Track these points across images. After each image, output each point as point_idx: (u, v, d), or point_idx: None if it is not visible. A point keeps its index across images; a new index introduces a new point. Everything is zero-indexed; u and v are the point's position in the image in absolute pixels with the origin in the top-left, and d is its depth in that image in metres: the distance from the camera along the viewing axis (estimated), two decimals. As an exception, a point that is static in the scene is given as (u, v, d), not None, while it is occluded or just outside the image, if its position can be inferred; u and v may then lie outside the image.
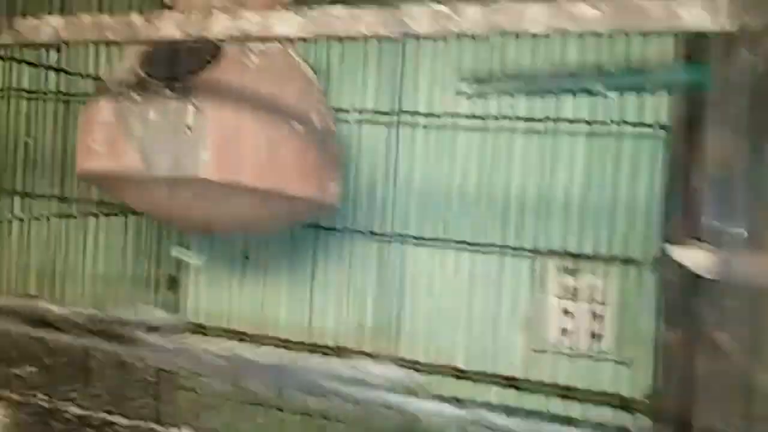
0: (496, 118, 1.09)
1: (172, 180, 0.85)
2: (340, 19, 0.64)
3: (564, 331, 1.10)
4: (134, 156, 0.85)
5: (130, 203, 0.99)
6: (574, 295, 1.09)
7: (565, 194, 1.09)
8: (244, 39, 0.68)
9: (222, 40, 0.68)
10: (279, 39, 0.67)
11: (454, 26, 0.61)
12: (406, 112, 1.15)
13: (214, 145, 0.83)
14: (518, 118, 1.09)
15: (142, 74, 0.88)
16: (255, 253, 1.27)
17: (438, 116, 1.14)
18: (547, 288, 1.11)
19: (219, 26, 0.68)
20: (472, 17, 0.60)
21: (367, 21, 0.63)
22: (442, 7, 0.61)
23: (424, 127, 1.16)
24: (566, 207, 1.09)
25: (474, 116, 1.12)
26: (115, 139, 0.86)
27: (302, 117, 0.92)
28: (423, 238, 1.17)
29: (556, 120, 1.07)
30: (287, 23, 0.66)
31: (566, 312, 1.10)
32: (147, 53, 0.90)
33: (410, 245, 1.18)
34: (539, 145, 1.10)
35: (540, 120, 1.08)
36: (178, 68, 0.87)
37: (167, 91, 0.85)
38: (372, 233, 1.18)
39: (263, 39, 0.68)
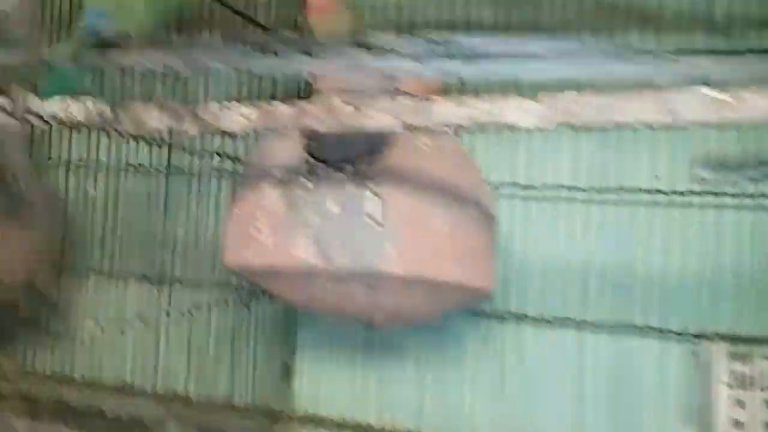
0: (656, 192, 1.02)
1: (346, 273, 0.78)
2: (590, 106, 0.58)
3: (736, 423, 1.00)
4: (309, 248, 0.78)
5: (281, 294, 0.92)
6: (746, 383, 1.00)
7: (734, 274, 1.01)
8: (472, 127, 0.62)
9: (447, 128, 0.62)
10: (513, 128, 0.61)
11: (732, 113, 0.55)
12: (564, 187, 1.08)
13: (399, 237, 0.76)
14: (677, 193, 1.02)
15: (310, 159, 0.82)
16: (383, 339, 1.19)
17: (597, 192, 1.07)
18: (714, 375, 1.02)
19: (442, 114, 0.63)
20: (754, 104, 0.54)
21: (627, 107, 0.57)
22: (717, 93, 0.55)
23: (552, 200, 1.09)
24: (735, 287, 1.01)
25: (624, 189, 1.05)
26: (286, 229, 0.79)
27: (474, 201, 0.86)
28: (567, 319, 1.09)
29: (719, 194, 1.00)
30: (524, 111, 0.60)
31: (738, 402, 1.00)
32: (312, 137, 0.84)
33: (548, 327, 1.10)
34: (698, 221, 1.03)
35: (696, 194, 1.02)
36: (349, 153, 0.81)
37: (341, 177, 0.79)
38: (523, 316, 1.10)
39: (494, 128, 0.62)
